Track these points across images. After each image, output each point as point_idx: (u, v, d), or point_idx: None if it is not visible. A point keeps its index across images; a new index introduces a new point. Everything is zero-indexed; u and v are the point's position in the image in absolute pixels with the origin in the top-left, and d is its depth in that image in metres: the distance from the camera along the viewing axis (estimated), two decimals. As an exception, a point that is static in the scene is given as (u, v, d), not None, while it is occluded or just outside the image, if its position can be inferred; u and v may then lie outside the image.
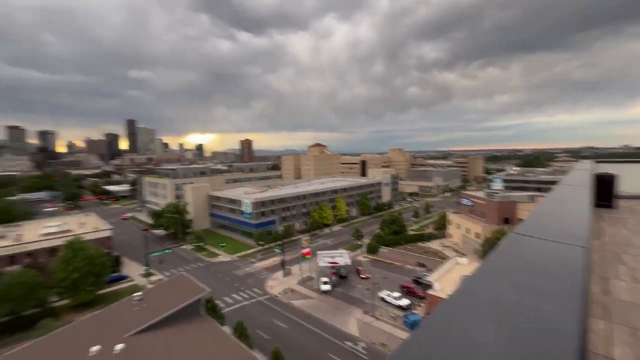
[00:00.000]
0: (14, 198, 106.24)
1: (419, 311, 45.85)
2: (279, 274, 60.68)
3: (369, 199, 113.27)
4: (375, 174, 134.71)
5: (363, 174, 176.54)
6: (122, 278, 58.95)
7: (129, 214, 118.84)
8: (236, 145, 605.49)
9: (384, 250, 70.23)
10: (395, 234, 76.02)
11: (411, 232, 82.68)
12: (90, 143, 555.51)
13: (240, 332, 35.60)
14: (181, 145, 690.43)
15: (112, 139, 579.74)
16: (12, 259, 53.08)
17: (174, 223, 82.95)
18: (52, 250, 55.15)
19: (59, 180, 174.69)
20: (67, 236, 55.38)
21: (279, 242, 71.01)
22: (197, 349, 27.03)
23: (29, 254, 54.51)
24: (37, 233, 60.16)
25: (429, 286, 46.44)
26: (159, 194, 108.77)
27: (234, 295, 52.57)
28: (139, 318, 28.80)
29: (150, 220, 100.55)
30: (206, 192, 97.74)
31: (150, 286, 49.30)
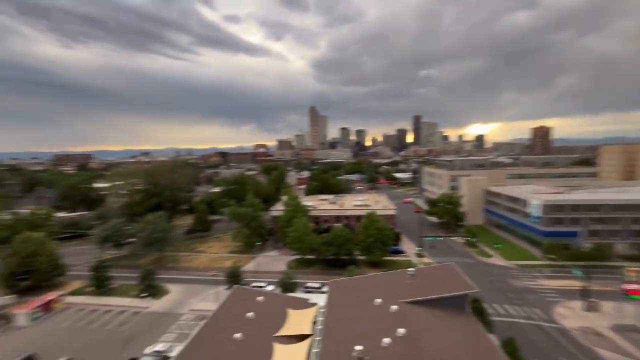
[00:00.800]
0: (341, 177, 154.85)
1: None
2: (577, 303, 45.47)
3: None
4: None
5: None
6: (400, 252, 69.10)
7: (410, 199, 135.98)
8: (526, 134, 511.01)
9: None
10: None
11: None
12: (386, 137, 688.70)
13: (512, 350, 30.61)
14: (460, 137, 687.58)
15: (401, 133, 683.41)
16: (337, 218, 77.82)
17: (447, 213, 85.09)
18: (358, 217, 74.69)
19: (365, 166, 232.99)
20: (367, 209, 72.90)
21: (582, 263, 52.79)
22: (461, 343, 26.38)
23: (346, 217, 77.29)
24: (351, 203, 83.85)
25: None
26: (436, 183, 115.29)
27: (505, 305, 46.04)
28: (410, 290, 32.47)
29: (425, 207, 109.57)
30: (483, 187, 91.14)
31: (421, 265, 54.26)
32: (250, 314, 31.19)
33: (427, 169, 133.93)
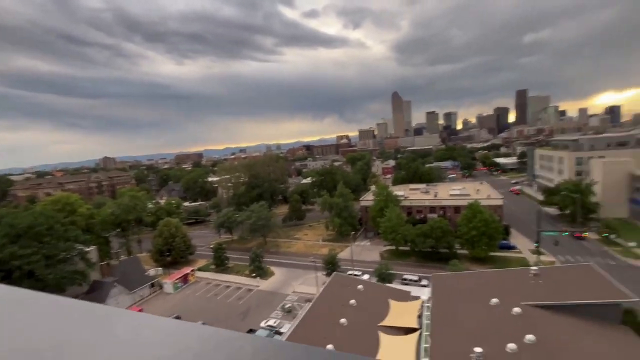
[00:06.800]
0: (431, 165, 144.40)
1: None
2: None
3: None
4: None
5: None
6: (511, 247, 60.77)
7: (517, 187, 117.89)
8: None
9: None
10: None
11: None
12: (481, 119, 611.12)
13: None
14: (582, 110, 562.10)
15: (501, 112, 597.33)
16: (431, 209, 72.95)
17: (571, 203, 70.77)
18: (456, 208, 68.49)
19: (458, 152, 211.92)
20: (467, 199, 66.15)
21: None
22: (613, 363, 21.59)
23: (442, 207, 71.80)
24: (447, 193, 77.41)
25: None
26: (553, 168, 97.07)
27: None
28: (535, 292, 28.08)
29: (539, 196, 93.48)
30: (627, 170, 72.39)
31: (541, 265, 46.49)
32: (352, 301, 31.87)
33: (539, 152, 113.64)
